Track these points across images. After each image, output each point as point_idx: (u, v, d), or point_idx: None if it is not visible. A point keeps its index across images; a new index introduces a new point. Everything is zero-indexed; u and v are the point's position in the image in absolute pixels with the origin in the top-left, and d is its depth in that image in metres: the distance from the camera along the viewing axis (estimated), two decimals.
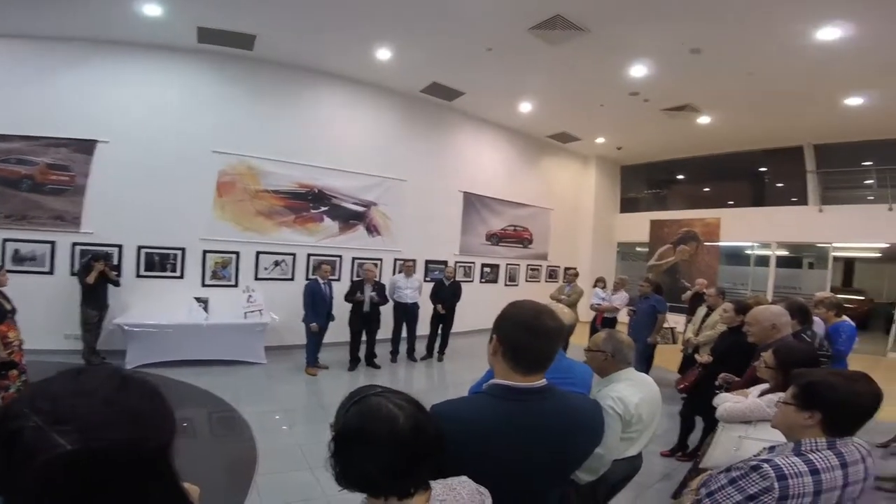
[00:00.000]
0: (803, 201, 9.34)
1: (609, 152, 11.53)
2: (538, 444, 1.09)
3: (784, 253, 9.81)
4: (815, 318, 3.74)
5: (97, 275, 5.33)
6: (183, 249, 6.31)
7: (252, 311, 6.17)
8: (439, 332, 6.96)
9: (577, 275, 7.40)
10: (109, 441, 0.52)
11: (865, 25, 4.91)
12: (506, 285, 9.99)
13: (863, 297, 9.94)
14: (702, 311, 5.13)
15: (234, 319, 6.06)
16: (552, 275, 10.97)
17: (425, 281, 7.74)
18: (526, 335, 1.09)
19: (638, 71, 6.54)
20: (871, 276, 10.76)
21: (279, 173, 6.87)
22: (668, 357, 6.10)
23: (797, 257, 9.93)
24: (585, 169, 11.99)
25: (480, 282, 9.49)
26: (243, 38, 6.00)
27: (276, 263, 6.95)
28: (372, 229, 7.79)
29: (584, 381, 1.79)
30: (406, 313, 6.64)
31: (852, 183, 9.19)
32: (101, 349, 5.56)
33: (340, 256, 7.43)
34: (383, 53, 6.46)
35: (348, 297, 6.05)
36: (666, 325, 5.98)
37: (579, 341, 6.89)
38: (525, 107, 8.54)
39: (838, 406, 1.28)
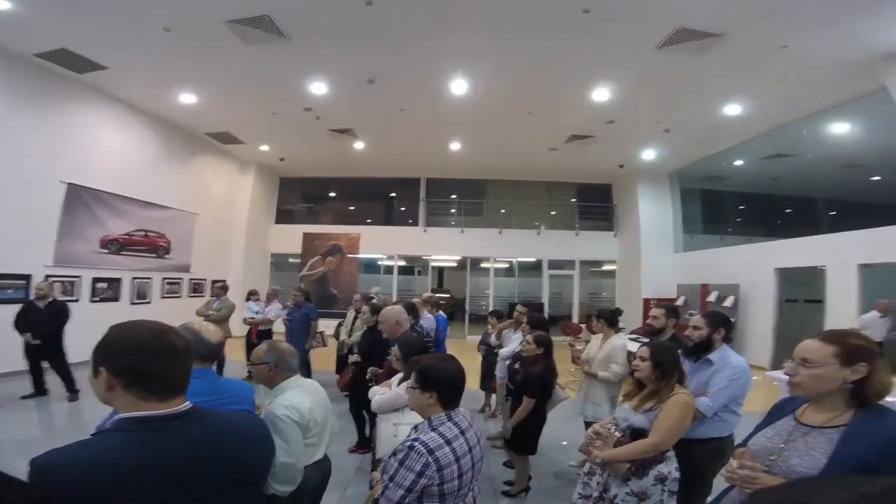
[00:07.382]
0: (416, 223, 12.56)
1: (271, 161, 11.45)
2: (197, 471, 0.96)
3: (403, 263, 12.86)
4: (426, 314, 4.92)
5: None
6: None
7: None
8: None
9: (225, 288, 6.80)
10: None
11: (478, 84, 6.51)
12: (133, 304, 8.03)
13: (449, 295, 13.78)
14: (351, 314, 5.77)
15: None
16: (197, 289, 9.68)
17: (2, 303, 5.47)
18: (151, 360, 0.95)
19: (318, 88, 6.81)
20: (453, 280, 15.15)
21: None
22: (323, 360, 6.50)
23: (411, 266, 13.17)
24: (243, 175, 11.43)
25: (92, 301, 7.25)
26: None
27: None
28: None
29: (245, 397, 1.72)
30: None
31: (443, 211, 12.95)
32: None
33: None
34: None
35: None
36: (318, 331, 6.38)
37: (238, 357, 6.34)
38: (188, 98, 7.42)
39: (443, 383, 1.57)
